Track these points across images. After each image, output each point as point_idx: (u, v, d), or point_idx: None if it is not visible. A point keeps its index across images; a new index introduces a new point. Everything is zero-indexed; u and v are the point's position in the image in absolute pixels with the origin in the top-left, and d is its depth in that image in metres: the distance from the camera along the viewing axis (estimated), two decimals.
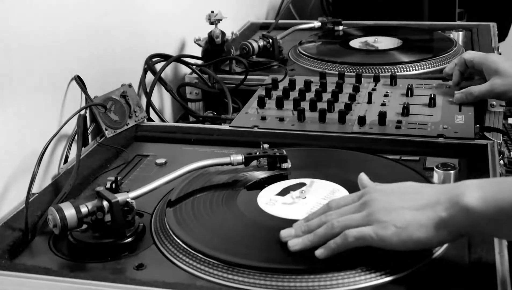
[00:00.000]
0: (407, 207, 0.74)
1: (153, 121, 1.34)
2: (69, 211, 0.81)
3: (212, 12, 1.48)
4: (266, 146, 1.01)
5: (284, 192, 0.93)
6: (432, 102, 1.23)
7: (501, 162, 1.13)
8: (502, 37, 2.30)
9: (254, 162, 0.99)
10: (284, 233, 0.80)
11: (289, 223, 0.84)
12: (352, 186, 0.92)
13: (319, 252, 0.76)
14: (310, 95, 1.28)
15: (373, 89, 1.33)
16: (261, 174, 0.99)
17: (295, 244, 0.78)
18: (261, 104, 1.27)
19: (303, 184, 0.94)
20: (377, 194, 0.78)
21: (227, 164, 0.97)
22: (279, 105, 1.26)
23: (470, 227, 0.71)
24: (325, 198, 0.90)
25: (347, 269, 0.74)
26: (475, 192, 0.71)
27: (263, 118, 1.21)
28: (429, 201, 0.74)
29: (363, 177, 0.86)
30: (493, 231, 0.72)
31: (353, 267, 0.74)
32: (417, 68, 1.46)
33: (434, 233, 0.72)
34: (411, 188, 0.78)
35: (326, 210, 0.81)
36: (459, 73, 1.28)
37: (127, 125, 1.21)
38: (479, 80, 1.27)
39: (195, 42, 1.50)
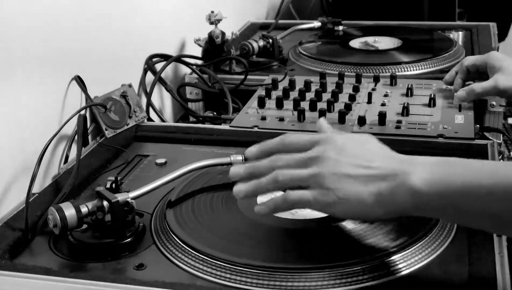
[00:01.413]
0: (353, 176, 0.73)
1: (153, 121, 1.34)
2: (69, 211, 0.81)
3: (212, 12, 1.48)
4: None
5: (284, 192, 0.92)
6: (432, 102, 1.23)
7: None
8: (502, 37, 2.30)
9: None
10: (233, 170, 0.80)
11: (289, 223, 0.84)
12: None
13: (258, 208, 0.77)
14: (310, 95, 1.28)
15: (373, 89, 1.33)
16: None
17: (239, 191, 0.78)
18: (261, 104, 1.27)
19: None
20: (330, 149, 0.76)
21: (227, 164, 0.97)
22: (279, 105, 1.26)
23: (412, 208, 0.71)
24: None
25: (347, 268, 0.74)
26: (423, 173, 0.70)
27: (263, 118, 1.21)
28: (377, 174, 0.72)
29: (322, 122, 0.85)
30: (436, 214, 0.72)
31: (354, 267, 0.74)
32: (417, 68, 1.46)
33: (371, 209, 0.72)
34: (366, 151, 0.76)
35: (278, 148, 0.80)
36: (461, 81, 1.26)
37: (127, 125, 1.21)
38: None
39: (195, 42, 1.50)
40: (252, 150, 0.82)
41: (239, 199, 0.77)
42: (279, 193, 0.81)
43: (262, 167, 0.79)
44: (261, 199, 0.91)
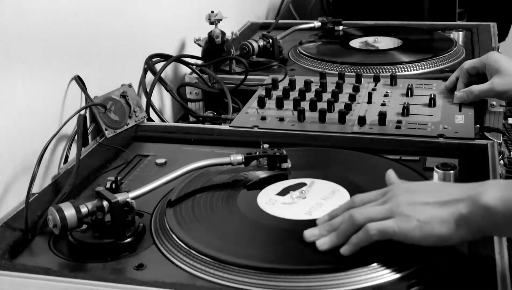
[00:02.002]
0: (430, 203, 0.75)
1: (153, 121, 1.34)
2: (69, 211, 0.81)
3: (212, 12, 1.48)
4: (266, 146, 1.01)
5: (284, 192, 0.93)
6: (432, 102, 1.23)
7: (501, 162, 1.13)
8: (502, 37, 2.30)
9: (254, 162, 0.99)
10: (308, 233, 0.80)
11: (289, 223, 0.84)
12: (352, 186, 0.92)
13: (343, 249, 0.76)
14: (310, 95, 1.28)
15: (373, 89, 1.33)
16: (261, 174, 0.99)
17: (323, 243, 0.78)
18: (261, 104, 1.27)
19: (304, 184, 0.94)
20: (401, 190, 0.78)
21: (227, 164, 0.97)
22: (279, 105, 1.26)
23: (489, 227, 0.71)
24: (325, 198, 0.90)
25: (347, 269, 0.74)
26: (496, 192, 0.71)
27: (263, 118, 1.21)
28: (452, 197, 0.74)
29: (390, 174, 0.87)
30: (511, 231, 0.72)
31: (354, 267, 0.74)
32: (417, 68, 1.46)
33: (455, 230, 0.72)
34: (435, 186, 0.80)
35: (350, 205, 0.81)
36: (463, 85, 1.26)
37: (127, 125, 1.21)
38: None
39: (195, 42, 1.50)
40: (323, 217, 0.83)
41: (322, 250, 0.77)
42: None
43: (338, 221, 0.79)
44: (261, 199, 0.91)
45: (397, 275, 0.75)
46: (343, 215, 0.79)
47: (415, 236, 0.73)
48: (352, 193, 0.90)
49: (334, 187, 0.93)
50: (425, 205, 0.75)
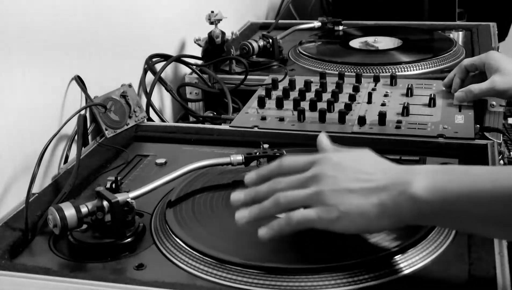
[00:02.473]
0: (354, 190, 0.73)
1: (153, 121, 1.34)
2: (69, 211, 0.81)
3: (212, 12, 1.48)
4: (266, 146, 1.01)
5: None
6: (432, 102, 1.23)
7: (501, 162, 1.13)
8: (502, 37, 2.30)
9: (254, 162, 0.99)
10: (234, 196, 0.80)
11: None
12: None
13: (262, 232, 0.76)
14: (310, 95, 1.28)
15: (373, 89, 1.33)
16: None
17: (241, 217, 0.77)
18: (261, 104, 1.27)
19: None
20: (327, 167, 0.76)
21: (227, 164, 0.97)
22: (279, 105, 1.26)
23: (415, 217, 0.70)
24: None
25: (347, 269, 0.74)
26: (423, 181, 0.69)
27: (263, 118, 1.21)
28: (378, 185, 0.72)
29: (322, 139, 0.85)
30: (440, 222, 0.72)
31: (354, 267, 0.74)
32: (417, 68, 1.46)
33: (375, 221, 0.72)
34: (364, 164, 0.76)
35: (277, 171, 0.79)
36: (460, 81, 1.26)
37: (127, 125, 1.21)
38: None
39: (195, 42, 1.50)
40: (251, 176, 0.82)
41: (241, 225, 0.77)
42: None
43: (262, 191, 0.79)
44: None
45: (397, 276, 0.75)
46: (268, 185, 0.78)
47: (335, 227, 0.73)
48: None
49: None
50: (348, 193, 0.73)
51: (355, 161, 0.77)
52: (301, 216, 0.74)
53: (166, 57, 1.44)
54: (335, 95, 1.27)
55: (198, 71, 1.45)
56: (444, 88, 1.30)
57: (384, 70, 1.44)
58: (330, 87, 1.31)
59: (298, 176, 0.77)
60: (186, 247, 0.80)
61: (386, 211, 0.71)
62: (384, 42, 1.64)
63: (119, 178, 0.87)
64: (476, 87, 1.20)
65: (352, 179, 0.74)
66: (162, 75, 1.39)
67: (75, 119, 1.11)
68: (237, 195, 0.80)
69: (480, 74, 1.23)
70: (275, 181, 0.79)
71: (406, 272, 0.75)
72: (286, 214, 0.75)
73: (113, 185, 0.87)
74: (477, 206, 0.67)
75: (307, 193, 0.75)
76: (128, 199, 0.83)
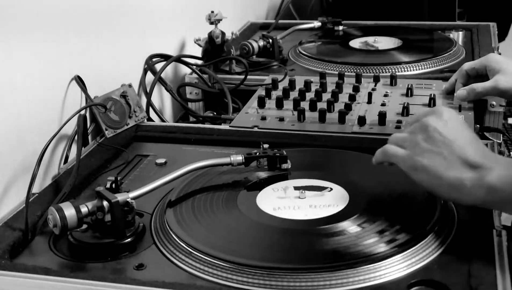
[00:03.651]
0: (443, 155, 0.80)
1: (153, 121, 1.34)
2: (69, 211, 0.81)
3: (212, 12, 1.48)
4: (266, 146, 1.01)
5: (284, 192, 0.93)
6: (432, 102, 1.23)
7: None
8: (502, 37, 2.30)
9: (254, 163, 0.99)
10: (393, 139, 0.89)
11: (289, 223, 0.84)
12: (352, 186, 0.92)
13: (375, 157, 0.89)
14: (310, 95, 1.28)
15: (373, 89, 1.33)
16: (261, 175, 0.99)
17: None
18: (261, 104, 1.27)
19: (323, 188, 0.94)
20: (434, 119, 0.83)
21: (227, 164, 0.97)
22: (279, 105, 1.26)
23: (488, 202, 0.77)
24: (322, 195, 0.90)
25: (347, 269, 0.74)
26: (501, 171, 0.75)
27: (263, 118, 1.21)
28: (463, 161, 0.78)
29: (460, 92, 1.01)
30: (510, 210, 0.77)
31: (353, 267, 0.74)
32: (417, 68, 1.46)
33: (448, 191, 0.78)
34: (462, 136, 0.82)
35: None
36: (462, 86, 1.26)
37: (127, 125, 1.21)
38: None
39: (195, 42, 1.50)
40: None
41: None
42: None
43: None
44: (261, 199, 0.91)
45: (397, 276, 0.75)
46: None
47: (414, 174, 0.81)
48: (350, 193, 0.91)
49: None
50: (437, 155, 0.80)
51: (458, 128, 0.83)
52: (392, 151, 0.85)
53: (166, 57, 1.44)
54: (335, 95, 1.27)
55: (198, 71, 1.45)
56: (444, 87, 1.30)
57: (384, 70, 1.44)
58: (330, 87, 1.32)
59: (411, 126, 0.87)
60: (186, 247, 0.80)
61: (460, 187, 0.77)
62: (384, 42, 1.65)
63: (119, 178, 0.87)
64: (479, 86, 1.19)
65: (446, 145, 0.80)
66: (162, 75, 1.39)
67: (75, 119, 1.11)
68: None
69: (481, 77, 1.23)
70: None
71: (405, 272, 0.75)
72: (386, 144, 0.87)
73: (113, 185, 0.87)
74: None
75: (406, 135, 0.85)
76: (128, 199, 0.83)
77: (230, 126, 1.20)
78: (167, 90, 1.42)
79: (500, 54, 1.51)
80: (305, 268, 0.74)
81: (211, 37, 1.47)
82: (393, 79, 1.35)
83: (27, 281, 0.76)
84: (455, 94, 1.24)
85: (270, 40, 1.54)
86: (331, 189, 0.93)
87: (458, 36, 1.69)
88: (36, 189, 0.97)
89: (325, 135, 1.13)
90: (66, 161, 1.12)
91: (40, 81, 1.06)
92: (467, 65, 1.25)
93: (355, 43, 1.67)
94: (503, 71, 1.17)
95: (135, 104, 1.22)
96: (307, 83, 1.33)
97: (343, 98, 1.27)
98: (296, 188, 0.93)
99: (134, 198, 0.84)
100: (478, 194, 0.76)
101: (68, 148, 1.13)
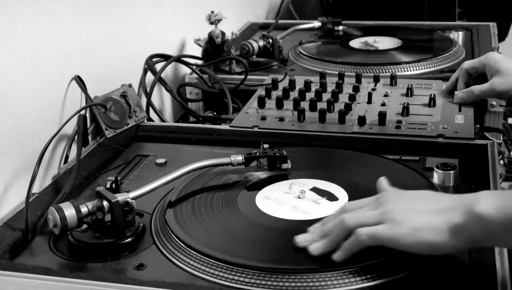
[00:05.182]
0: (422, 210, 0.74)
1: (153, 121, 1.34)
2: (69, 211, 0.81)
3: (212, 12, 1.48)
4: (266, 146, 1.01)
5: (284, 192, 0.93)
6: (432, 102, 1.23)
7: (501, 162, 1.13)
8: (502, 37, 2.30)
9: (254, 162, 0.99)
10: (300, 238, 0.79)
11: (288, 223, 0.84)
12: (352, 186, 0.92)
13: (336, 256, 0.75)
14: (310, 95, 1.28)
15: (373, 89, 1.33)
16: (261, 175, 0.99)
17: (316, 248, 0.77)
18: (261, 104, 1.27)
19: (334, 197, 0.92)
20: (393, 196, 0.78)
21: (227, 164, 0.97)
22: (279, 105, 1.26)
23: (483, 235, 0.70)
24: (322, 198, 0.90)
25: (347, 269, 0.74)
26: (490, 200, 0.70)
27: (263, 118, 1.21)
28: (445, 206, 0.73)
29: (382, 181, 0.85)
30: (506, 241, 0.70)
31: (354, 267, 0.74)
32: (417, 68, 1.46)
33: (448, 238, 0.71)
34: (428, 194, 0.79)
35: (341, 212, 0.79)
36: (464, 85, 1.26)
37: (127, 125, 1.21)
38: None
39: (195, 42, 1.50)
40: (316, 225, 0.81)
41: (316, 255, 0.76)
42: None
43: (329, 227, 0.78)
44: (261, 199, 0.91)
45: (397, 276, 0.75)
46: (334, 220, 0.78)
47: (406, 242, 0.72)
48: (350, 193, 0.91)
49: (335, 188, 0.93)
50: (417, 212, 0.74)
51: (417, 193, 0.79)
52: (370, 231, 0.74)
53: (166, 57, 1.44)
54: (335, 95, 1.27)
55: (198, 71, 1.45)
56: (444, 87, 1.30)
57: (384, 70, 1.44)
58: (330, 87, 1.31)
59: (364, 207, 0.78)
60: (186, 247, 0.80)
61: (457, 228, 0.71)
62: (384, 42, 1.64)
63: (119, 178, 0.87)
64: (476, 88, 1.21)
65: (419, 202, 0.75)
66: (162, 75, 1.39)
67: (75, 119, 1.11)
68: (303, 237, 0.79)
69: (481, 75, 1.24)
70: (341, 215, 0.78)
71: (404, 272, 0.75)
72: (354, 232, 0.75)
73: (113, 185, 0.87)
74: None
75: (375, 213, 0.75)
76: (128, 199, 0.83)
77: (230, 126, 1.20)
78: (167, 90, 1.42)
79: (500, 53, 1.52)
80: (305, 268, 0.74)
81: (211, 37, 1.47)
82: (393, 79, 1.35)
83: (27, 281, 0.76)
84: (455, 95, 1.24)
85: (270, 40, 1.54)
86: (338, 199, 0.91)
87: (458, 36, 1.69)
88: (36, 189, 0.97)
89: (325, 135, 1.13)
90: (66, 161, 1.12)
91: (40, 81, 1.06)
92: (467, 64, 1.26)
93: (355, 43, 1.67)
94: (501, 71, 1.18)
95: (135, 104, 1.22)
96: (307, 83, 1.33)
97: (343, 98, 1.27)
98: (312, 189, 0.93)
99: (134, 198, 0.85)
100: (474, 229, 0.69)
101: (68, 148, 1.13)
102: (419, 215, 0.73)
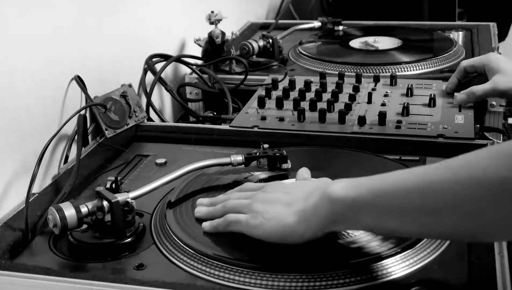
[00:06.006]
0: (282, 202, 0.78)
1: (153, 121, 1.34)
2: (69, 211, 0.81)
3: (212, 12, 1.48)
4: (266, 146, 1.01)
5: None
6: (432, 102, 1.23)
7: None
8: (502, 37, 2.30)
9: (254, 162, 0.99)
10: (199, 200, 0.89)
11: None
12: None
13: (204, 224, 0.83)
14: (310, 95, 1.28)
15: (373, 89, 1.33)
16: (261, 175, 0.99)
17: (197, 211, 0.87)
18: (261, 104, 1.27)
19: None
20: (271, 187, 0.83)
21: (227, 164, 0.97)
22: (279, 105, 1.26)
23: (332, 217, 0.71)
24: None
25: (347, 269, 0.74)
26: (342, 183, 0.72)
27: (263, 118, 1.21)
28: (304, 195, 0.76)
29: (301, 171, 0.91)
30: (354, 220, 0.71)
31: (353, 267, 0.74)
32: (417, 68, 1.46)
33: (293, 229, 0.74)
34: (303, 185, 0.82)
35: (238, 190, 0.88)
36: (457, 80, 1.26)
37: (127, 125, 1.21)
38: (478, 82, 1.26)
39: (195, 42, 1.50)
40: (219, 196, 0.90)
41: (196, 217, 0.86)
42: None
43: (220, 199, 0.87)
44: None
45: (397, 276, 0.75)
46: (225, 196, 0.87)
47: (257, 232, 0.77)
48: None
49: None
50: (275, 203, 0.78)
51: (299, 184, 0.83)
52: (233, 218, 0.80)
53: (166, 57, 1.44)
54: (335, 95, 1.27)
55: (198, 71, 1.45)
56: (444, 87, 1.30)
57: (384, 70, 1.44)
58: (330, 87, 1.31)
59: (247, 192, 0.86)
60: (186, 247, 0.80)
61: (304, 216, 0.74)
62: (384, 42, 1.64)
63: (119, 178, 0.87)
64: (478, 88, 1.20)
65: (285, 193, 0.79)
66: (162, 75, 1.39)
67: (75, 119, 1.11)
68: (202, 200, 0.90)
69: (480, 76, 1.23)
70: (231, 194, 0.87)
71: (405, 272, 0.75)
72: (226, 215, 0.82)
73: (113, 185, 0.87)
74: (391, 200, 0.67)
75: (246, 202, 0.81)
76: (128, 199, 0.83)
77: (230, 126, 1.20)
78: (167, 90, 1.42)
79: (500, 54, 1.51)
80: (305, 268, 0.74)
81: (211, 37, 1.47)
82: (393, 79, 1.35)
83: (27, 281, 0.76)
84: (454, 97, 1.24)
85: (270, 40, 1.54)
86: None
87: (458, 36, 1.69)
88: (36, 189, 0.98)
89: (325, 135, 1.13)
90: (66, 161, 1.12)
91: (40, 81, 1.06)
92: (466, 62, 1.26)
93: (355, 43, 1.67)
94: (502, 71, 1.18)
95: (135, 104, 1.22)
96: (307, 83, 1.33)
97: (343, 98, 1.27)
98: None
99: (134, 198, 0.85)
100: (322, 212, 0.71)
101: (68, 148, 1.13)
102: (276, 206, 0.77)
